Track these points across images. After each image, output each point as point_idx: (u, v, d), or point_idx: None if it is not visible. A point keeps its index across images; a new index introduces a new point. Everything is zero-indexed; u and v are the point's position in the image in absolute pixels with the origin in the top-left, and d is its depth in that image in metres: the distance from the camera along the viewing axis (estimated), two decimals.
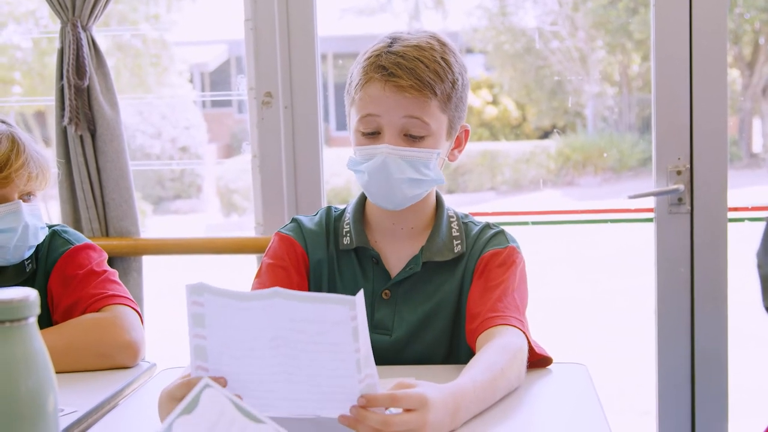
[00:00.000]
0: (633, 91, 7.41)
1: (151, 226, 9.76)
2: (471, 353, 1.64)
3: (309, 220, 1.83)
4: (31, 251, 1.92)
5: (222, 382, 1.23)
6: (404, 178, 1.66)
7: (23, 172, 1.85)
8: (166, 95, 10.11)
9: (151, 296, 2.90)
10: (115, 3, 2.72)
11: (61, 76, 2.69)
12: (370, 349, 1.22)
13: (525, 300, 1.74)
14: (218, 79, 11.82)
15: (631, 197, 2.66)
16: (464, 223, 1.81)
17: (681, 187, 2.60)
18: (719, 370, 2.66)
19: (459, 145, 1.81)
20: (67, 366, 1.75)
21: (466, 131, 1.80)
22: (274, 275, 1.74)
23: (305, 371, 1.23)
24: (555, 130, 8.35)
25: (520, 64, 8.43)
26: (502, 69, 8.76)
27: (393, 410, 1.26)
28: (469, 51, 8.42)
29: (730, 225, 2.63)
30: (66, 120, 2.68)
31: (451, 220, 1.80)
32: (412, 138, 1.66)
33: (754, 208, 2.75)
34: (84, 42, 2.66)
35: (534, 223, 2.97)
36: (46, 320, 1.91)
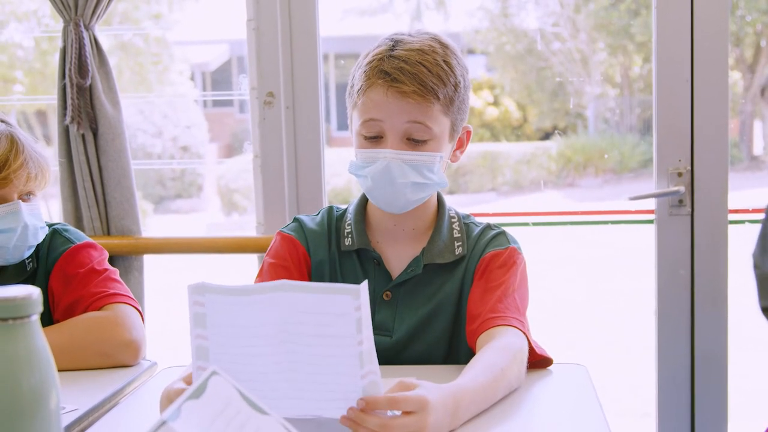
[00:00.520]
0: (634, 93, 7.42)
1: (152, 225, 9.77)
2: (471, 353, 1.65)
3: (311, 220, 1.83)
4: (31, 251, 1.92)
5: None
6: (407, 182, 1.66)
7: (22, 172, 1.85)
8: (167, 94, 10.12)
9: (152, 295, 2.90)
10: (117, 2, 2.72)
11: (63, 75, 2.69)
12: (373, 345, 1.22)
13: (526, 301, 1.74)
14: (220, 78, 11.83)
15: (631, 199, 2.66)
16: (465, 224, 1.81)
17: (682, 189, 2.60)
18: (719, 372, 2.66)
19: (461, 146, 1.81)
20: (68, 364, 1.75)
21: (468, 132, 1.80)
22: (275, 275, 1.74)
23: (307, 368, 1.23)
24: (556, 132, 8.35)
25: (521, 66, 8.43)
26: (503, 70, 8.77)
27: (394, 412, 1.26)
28: (471, 52, 8.42)
29: (730, 227, 2.63)
30: (68, 119, 2.68)
31: (453, 221, 1.81)
32: (414, 142, 1.66)
33: (754, 210, 2.75)
34: (86, 41, 2.66)
35: (535, 224, 2.97)
36: (47, 319, 1.91)
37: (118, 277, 1.97)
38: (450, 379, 1.40)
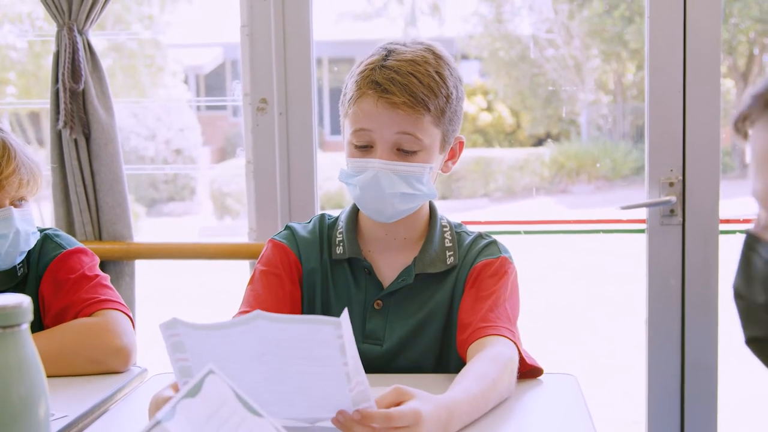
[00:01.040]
0: (627, 100, 7.44)
1: (144, 228, 9.77)
2: (461, 362, 1.65)
3: (303, 228, 1.83)
4: (23, 257, 1.92)
5: None
6: (396, 192, 1.66)
7: (14, 178, 1.84)
8: (160, 98, 10.11)
9: (144, 301, 2.90)
10: (110, 4, 2.72)
11: (56, 80, 2.69)
12: (359, 359, 1.22)
13: (516, 310, 1.75)
14: (213, 82, 11.83)
15: (623, 208, 2.66)
16: (457, 233, 1.81)
17: (673, 198, 2.61)
18: (709, 381, 2.67)
19: (453, 156, 1.81)
20: (58, 371, 1.74)
21: (461, 143, 1.80)
22: (267, 282, 1.75)
23: (295, 381, 1.23)
24: (549, 139, 8.36)
25: (514, 72, 8.45)
26: (496, 76, 8.79)
27: None
28: (465, 57, 8.44)
29: (721, 237, 2.63)
30: (61, 123, 2.68)
31: (445, 230, 1.81)
32: (404, 153, 1.66)
33: (746, 221, 2.76)
34: (80, 46, 2.66)
35: (526, 232, 2.97)
36: (37, 324, 1.90)
37: (109, 283, 1.96)
38: (440, 388, 1.40)
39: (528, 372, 1.68)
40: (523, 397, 1.60)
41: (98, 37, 2.76)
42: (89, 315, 1.86)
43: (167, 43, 9.87)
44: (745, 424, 4.15)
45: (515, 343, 1.63)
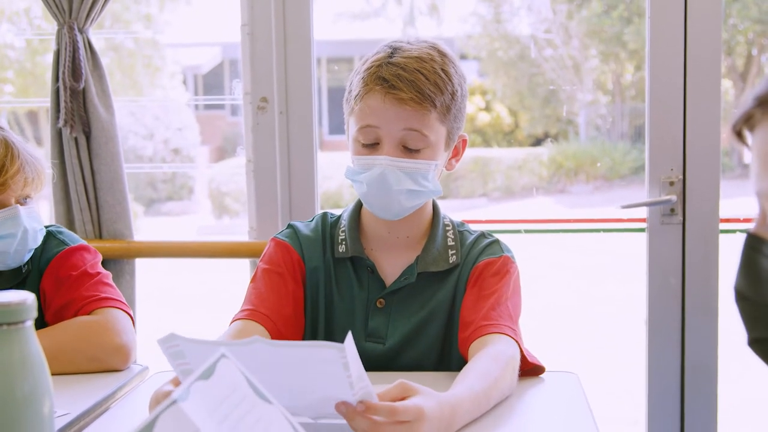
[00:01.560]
0: (626, 100, 7.45)
1: (143, 227, 9.76)
2: (462, 360, 1.65)
3: (305, 227, 1.83)
4: (31, 254, 1.92)
5: None
6: (402, 189, 1.66)
7: (19, 177, 1.84)
8: (159, 97, 10.11)
9: (144, 299, 2.90)
10: (110, 2, 2.72)
11: (56, 78, 2.69)
12: (362, 367, 1.21)
13: (518, 309, 1.75)
14: (212, 81, 11.82)
15: (623, 207, 2.67)
16: (460, 232, 1.82)
17: (673, 197, 2.61)
18: (709, 381, 2.67)
19: (456, 154, 1.81)
20: (59, 369, 1.74)
21: (464, 141, 1.81)
22: (269, 280, 1.74)
23: (298, 386, 1.23)
24: (547, 139, 8.37)
25: (513, 71, 8.45)
26: (495, 76, 8.79)
27: None
28: (463, 57, 8.44)
29: (721, 236, 2.63)
30: (61, 122, 2.68)
31: (447, 229, 1.81)
32: (410, 149, 1.67)
33: (746, 220, 2.76)
34: (80, 44, 2.66)
35: (527, 231, 2.98)
36: (38, 320, 1.90)
37: (110, 280, 1.96)
38: (442, 386, 1.40)
39: (530, 370, 1.68)
40: (525, 394, 1.60)
41: (96, 36, 2.76)
42: (90, 312, 1.86)
43: (166, 42, 9.87)
44: (745, 424, 4.15)
45: (517, 341, 1.63)
